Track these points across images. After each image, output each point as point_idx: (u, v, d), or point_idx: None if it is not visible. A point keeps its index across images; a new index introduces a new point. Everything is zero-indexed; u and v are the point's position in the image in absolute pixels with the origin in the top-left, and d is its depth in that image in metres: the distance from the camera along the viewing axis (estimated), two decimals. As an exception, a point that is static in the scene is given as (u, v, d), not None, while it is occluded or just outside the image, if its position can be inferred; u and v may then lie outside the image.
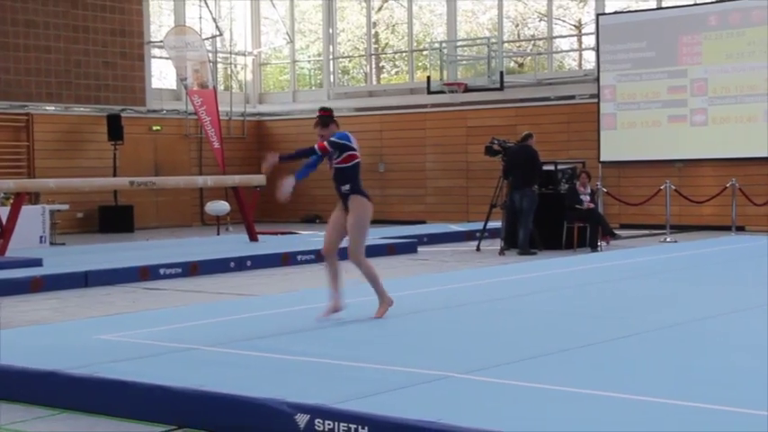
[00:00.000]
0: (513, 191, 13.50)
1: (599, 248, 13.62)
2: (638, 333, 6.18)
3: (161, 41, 20.51)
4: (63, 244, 15.47)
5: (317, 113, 7.41)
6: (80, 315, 8.17)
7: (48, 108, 19.26)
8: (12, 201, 13.33)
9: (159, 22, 22.16)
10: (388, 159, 21.45)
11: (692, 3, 17.95)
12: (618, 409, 4.24)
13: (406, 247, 13.93)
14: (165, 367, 5.26)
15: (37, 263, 11.03)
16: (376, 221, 22.72)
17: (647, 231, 16.69)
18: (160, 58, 21.44)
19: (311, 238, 15.74)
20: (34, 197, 16.48)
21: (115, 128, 19.34)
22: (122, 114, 19.67)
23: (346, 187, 7.13)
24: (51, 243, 15.08)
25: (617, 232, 15.38)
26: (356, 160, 7.20)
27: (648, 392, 4.48)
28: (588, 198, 14.05)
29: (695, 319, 6.72)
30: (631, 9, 19.20)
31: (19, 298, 9.39)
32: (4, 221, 12.27)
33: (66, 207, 16.78)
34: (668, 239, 14.86)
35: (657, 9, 18.55)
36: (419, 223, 19.30)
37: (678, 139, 17.74)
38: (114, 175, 18.91)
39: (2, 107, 18.52)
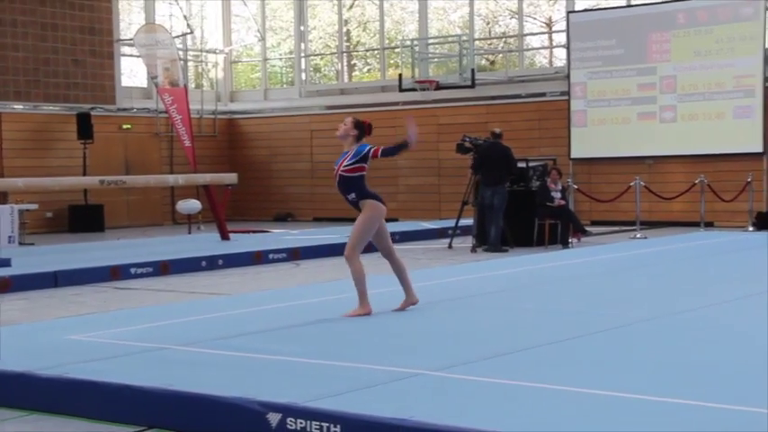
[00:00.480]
0: (485, 188, 13.54)
1: (570, 245, 13.70)
2: (611, 329, 6.22)
3: (131, 39, 20.36)
4: (32, 244, 15.32)
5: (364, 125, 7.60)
6: (50, 315, 8.10)
7: (16, 107, 19.06)
8: (-20, 200, 13.17)
9: (129, 19, 22.00)
10: (360, 157, 21.40)
11: (661, 1, 18.08)
12: (591, 405, 4.27)
13: (379, 245, 13.90)
14: (135, 367, 5.23)
15: (5, 263, 10.92)
16: (348, 219, 22.66)
17: (617, 228, 16.81)
18: (130, 56, 21.29)
19: (283, 236, 15.72)
20: (2, 197, 16.31)
21: (85, 126, 19.18)
22: (92, 113, 19.50)
23: (352, 195, 7.22)
24: (20, 243, 14.92)
25: (588, 229, 15.48)
26: (362, 172, 7.35)
27: (622, 388, 4.50)
28: (559, 195, 14.13)
29: (666, 314, 6.77)
30: (601, 7, 19.32)
31: (-13, 299, 9.30)
32: (-29, 221, 12.14)
33: (35, 207, 16.61)
34: (638, 236, 14.96)
35: (627, 7, 18.67)
36: (391, 221, 19.23)
37: (648, 136, 17.87)
38: (84, 174, 18.76)
39: (-31, 106, 18.32)
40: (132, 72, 22.10)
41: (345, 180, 7.21)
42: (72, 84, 19.46)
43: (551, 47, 21.46)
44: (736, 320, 6.54)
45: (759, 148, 17.00)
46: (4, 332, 6.84)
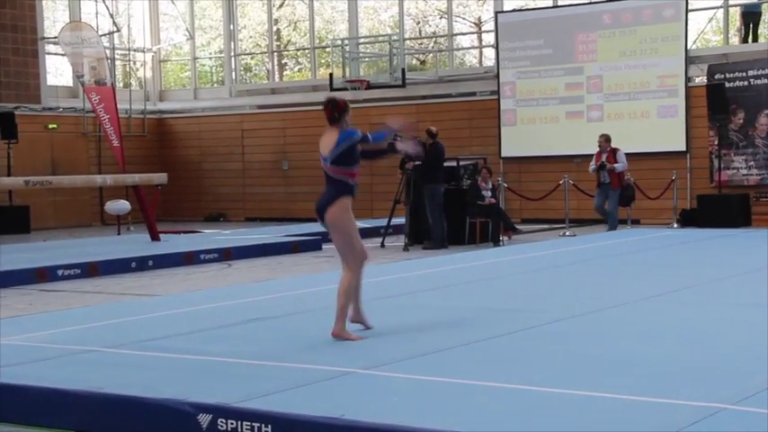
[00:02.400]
0: (437, 185, 13.68)
1: (501, 243, 13.86)
2: (539, 325, 6.31)
3: (56, 37, 19.98)
4: (-44, 246, 14.94)
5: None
6: (-27, 319, 7.90)
7: (-64, 106, 18.57)
8: None
9: (53, 17, 21.59)
10: (291, 157, 21.36)
11: (587, 1, 18.38)
12: (519, 400, 4.33)
13: (311, 245, 13.92)
14: (63, 371, 5.15)
15: (-73, 266, 10.64)
16: (281, 219, 22.54)
17: (547, 225, 17.04)
18: (55, 54, 20.89)
19: (215, 236, 15.59)
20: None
21: (8, 126, 18.74)
22: (16, 112, 19.07)
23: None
24: (-57, 245, 14.54)
25: (518, 227, 15.67)
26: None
27: (549, 383, 4.58)
28: (490, 194, 14.28)
29: (594, 310, 6.89)
30: (529, 7, 19.58)
31: None
32: None
33: (-43, 208, 16.22)
34: (567, 233, 15.20)
35: (554, 7, 18.93)
36: (323, 220, 19.25)
37: (576, 135, 18.14)
38: (9, 175, 18.34)
39: None
40: (58, 71, 21.70)
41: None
42: (-5, 82, 19.02)
43: (481, 47, 21.68)
44: (663, 315, 6.69)
45: (682, 147, 17.39)
46: (-74, 337, 6.68)
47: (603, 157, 14.54)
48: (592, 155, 16.48)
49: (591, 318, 6.60)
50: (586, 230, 15.89)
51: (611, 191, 14.55)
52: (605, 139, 14.70)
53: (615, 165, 14.46)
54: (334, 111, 6.02)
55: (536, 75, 18.53)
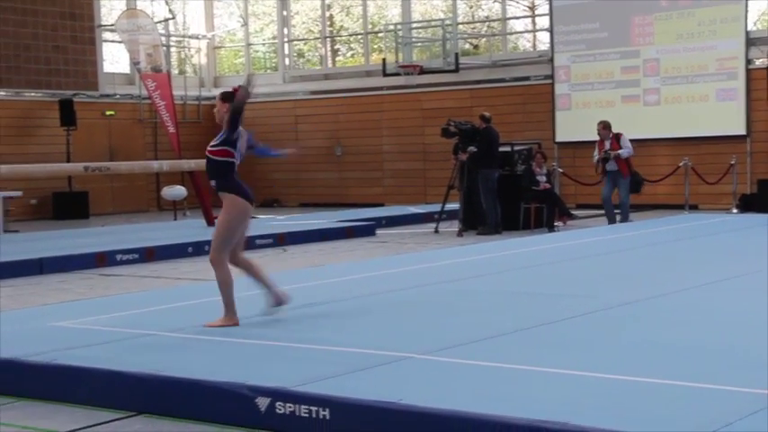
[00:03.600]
0: (491, 171, 13.61)
1: (556, 229, 13.75)
2: (597, 311, 6.25)
3: (112, 25, 20.22)
4: (17, 231, 15.25)
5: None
6: (36, 302, 8.07)
7: (-3, 93, 18.94)
8: (-37, 188, 13.10)
9: (110, 5, 21.85)
10: (344, 142, 21.41)
11: (644, -16, 18.09)
12: (578, 386, 4.29)
13: (365, 230, 13.95)
14: (123, 353, 5.22)
15: (-10, 251, 10.87)
16: (334, 205, 22.72)
17: (602, 211, 16.82)
18: (112, 41, 21.15)
19: (270, 222, 15.70)
20: (-15, 184, 16.21)
21: (68, 113, 19.07)
22: (75, 99, 19.39)
23: (213, 182, 6.29)
24: (5, 230, 14.85)
25: (573, 212, 15.53)
26: (227, 158, 6.28)
27: (608, 369, 4.54)
28: (544, 179, 14.17)
29: (653, 296, 6.81)
30: (585, -10, 19.29)
31: (-28, 286, 9.26)
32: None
33: (19, 194, 16.52)
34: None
35: (610, -10, 18.67)
36: (377, 206, 19.31)
37: (632, 119, 17.88)
38: (68, 161, 18.65)
39: (-50, 93, 18.19)
40: (114, 58, 21.97)
41: (209, 162, 6.28)
42: (53, 70, 19.33)
43: (535, 30, 21.47)
44: (721, 302, 6.59)
45: (742, 131, 17.07)
46: (-9, 320, 6.83)
47: (607, 145, 13.69)
48: (649, 139, 16.29)
49: (646, 304, 6.51)
50: (643, 216, 15.69)
51: (620, 179, 13.68)
52: (604, 126, 13.81)
53: (620, 151, 13.58)
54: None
55: (591, 58, 18.32)
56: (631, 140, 15.44)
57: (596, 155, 13.90)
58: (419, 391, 4.19)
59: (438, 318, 6.21)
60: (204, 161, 6.39)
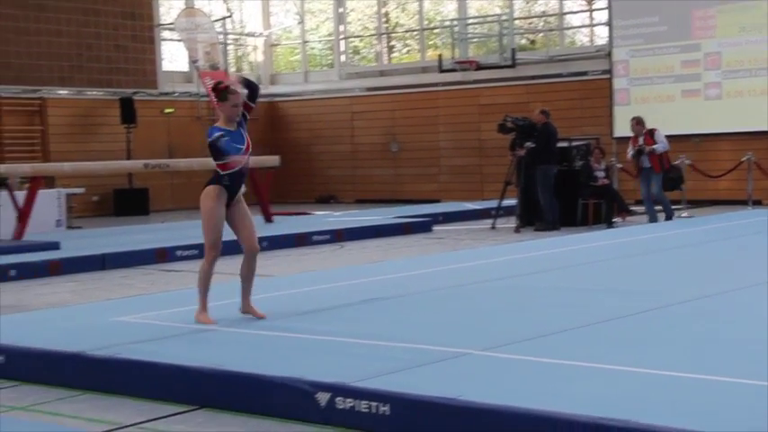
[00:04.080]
0: (550, 166, 13.53)
1: (615, 225, 13.59)
2: (658, 307, 6.17)
3: (171, 24, 20.49)
4: (79, 227, 15.52)
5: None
6: (99, 297, 8.22)
7: (60, 92, 19.29)
8: (28, 185, 13.37)
9: (169, 4, 22.13)
10: (400, 139, 21.41)
11: (705, -24, 17.78)
12: (639, 383, 4.24)
13: (421, 227, 13.94)
14: (184, 348, 5.29)
15: (54, 246, 11.08)
16: (390, 201, 22.70)
17: (662, 207, 16.59)
18: (171, 40, 21.42)
19: (326, 218, 15.77)
20: (50, 181, 16.52)
21: (128, 111, 19.37)
22: (135, 97, 19.68)
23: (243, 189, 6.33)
24: (68, 227, 15.14)
25: (632, 208, 15.33)
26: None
27: (670, 366, 4.47)
28: (603, 174, 14.02)
29: (715, 293, 6.70)
30: (644, -17, 19.03)
31: (38, 281, 9.45)
32: (20, 206, 12.33)
33: (81, 191, 16.83)
34: (684, 215, 14.80)
35: (670, -17, 18.40)
36: (433, 202, 19.28)
37: (692, 114, 17.63)
38: (128, 158, 18.94)
39: (15, 92, 18.57)
40: (173, 56, 22.25)
41: (245, 168, 6.26)
42: (114, 69, 19.64)
43: (592, 25, 21.23)
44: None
45: (807, 125, 16.70)
46: (56, 313, 6.98)
47: (640, 141, 13.27)
48: (710, 134, 16.02)
49: (708, 301, 6.41)
50: (704, 212, 15.45)
51: (653, 175, 13.20)
52: (637, 121, 13.43)
53: (654, 146, 13.09)
54: (215, 96, 6.21)
55: (650, 52, 18.06)
56: (692, 135, 15.23)
57: (630, 151, 13.56)
58: (479, 388, 4.17)
59: (497, 314, 6.19)
60: (251, 158, 6.40)
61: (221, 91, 6.09)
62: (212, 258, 6.23)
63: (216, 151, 6.08)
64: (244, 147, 6.16)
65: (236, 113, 6.14)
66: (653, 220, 13.40)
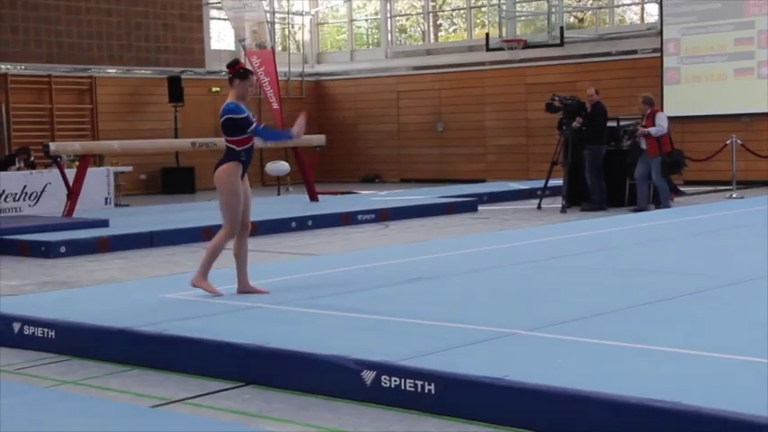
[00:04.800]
0: (600, 146, 13.39)
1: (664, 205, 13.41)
2: (707, 289, 6.08)
3: (219, 2, 20.56)
4: (127, 205, 15.71)
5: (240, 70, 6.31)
6: (147, 274, 8.31)
7: (110, 71, 19.50)
8: (77, 163, 13.55)
9: (217, -17, 22.19)
10: (446, 118, 21.32)
11: (759, -48, 17.41)
12: (687, 365, 4.19)
13: (467, 206, 13.88)
14: (231, 325, 5.32)
15: (103, 224, 11.22)
16: (435, 180, 22.69)
17: (711, 188, 16.38)
18: (218, 19, 21.51)
19: (371, 197, 15.78)
20: (98, 159, 16.73)
21: (176, 90, 19.51)
22: (182, 76, 19.82)
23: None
24: (116, 204, 15.32)
25: (681, 189, 15.13)
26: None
27: (719, 348, 4.41)
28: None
29: (764, 275, 6.58)
30: (696, -40, 18.70)
31: (87, 258, 9.59)
32: (70, 183, 12.49)
33: (129, 169, 17.02)
34: (734, 195, 14.57)
35: (723, -41, 18.05)
36: (479, 182, 19.20)
37: (744, 93, 17.32)
38: (175, 137, 19.09)
39: (66, 70, 18.80)
40: (220, 35, 22.35)
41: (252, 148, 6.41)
42: (162, 47, 19.77)
43: (643, 2, 20.92)
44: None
45: None
46: (105, 290, 7.07)
47: (643, 121, 12.86)
48: (762, 113, 15.71)
49: (758, 283, 6.29)
50: (755, 192, 15.20)
51: (649, 159, 12.68)
52: (643, 100, 12.92)
53: (649, 129, 12.59)
54: (229, 72, 6.31)
55: (703, 30, 17.75)
56: (743, 114, 14.89)
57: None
58: (525, 368, 4.14)
59: (543, 294, 6.14)
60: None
61: (243, 70, 6.31)
62: (233, 236, 6.36)
63: (241, 125, 6.19)
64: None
65: (249, 93, 6.38)
66: (640, 205, 12.87)
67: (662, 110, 17.96)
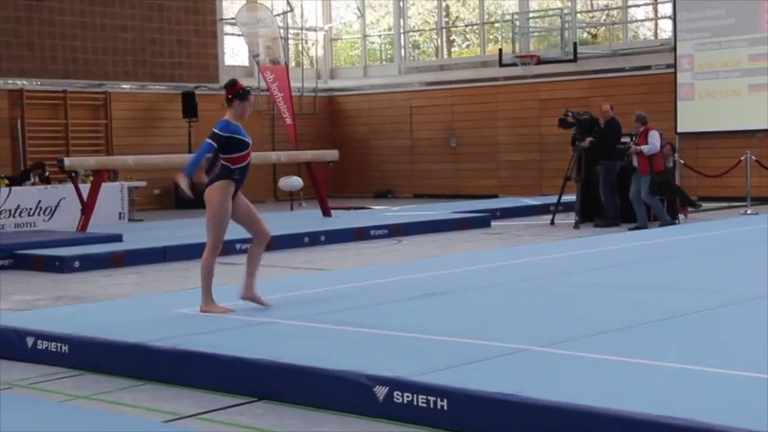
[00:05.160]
0: (614, 163, 13.36)
1: (677, 221, 13.37)
2: (721, 306, 6.05)
3: (233, 18, 20.67)
4: (141, 220, 15.77)
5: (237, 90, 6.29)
6: (160, 289, 8.33)
7: (124, 86, 19.60)
8: (92, 178, 13.61)
9: (231, -1, 22.33)
10: (459, 134, 21.34)
11: (773, -32, 17.40)
12: (701, 382, 4.17)
13: (480, 222, 13.88)
14: (244, 340, 5.32)
15: (117, 238, 11.26)
16: (448, 196, 22.68)
17: (725, 204, 16.33)
18: (232, 34, 21.62)
19: (384, 212, 15.79)
20: (113, 174, 16.80)
21: (189, 105, 19.60)
22: (196, 91, 19.91)
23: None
24: (130, 219, 15.38)
25: (698, 202, 14.98)
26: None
27: (733, 366, 4.38)
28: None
29: (779, 292, 6.55)
30: (709, -24, 18.69)
31: (101, 272, 9.62)
32: (85, 198, 12.55)
33: (143, 184, 17.08)
34: (749, 211, 14.52)
35: (737, -25, 18.04)
36: (492, 197, 19.19)
37: (759, 109, 17.26)
38: (189, 152, 19.14)
39: (81, 86, 18.92)
40: (234, 51, 22.44)
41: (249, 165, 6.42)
42: (177, 63, 19.88)
43: (656, 18, 20.91)
44: None
45: None
46: (118, 304, 7.09)
47: (636, 139, 12.80)
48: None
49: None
50: (770, 209, 15.13)
51: (640, 176, 12.64)
52: (636, 118, 12.87)
53: (642, 147, 12.52)
54: (228, 93, 6.27)
55: (716, 46, 17.73)
56: (758, 130, 14.80)
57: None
58: (538, 384, 4.13)
59: (556, 310, 6.13)
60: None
61: (244, 91, 6.29)
62: (217, 253, 6.36)
63: (233, 145, 6.19)
64: (251, 142, 6.35)
65: (248, 113, 6.35)
66: (641, 222, 12.73)
67: (676, 127, 17.96)
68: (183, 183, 6.23)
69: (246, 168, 6.36)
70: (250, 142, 6.32)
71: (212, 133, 6.19)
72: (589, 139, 13.36)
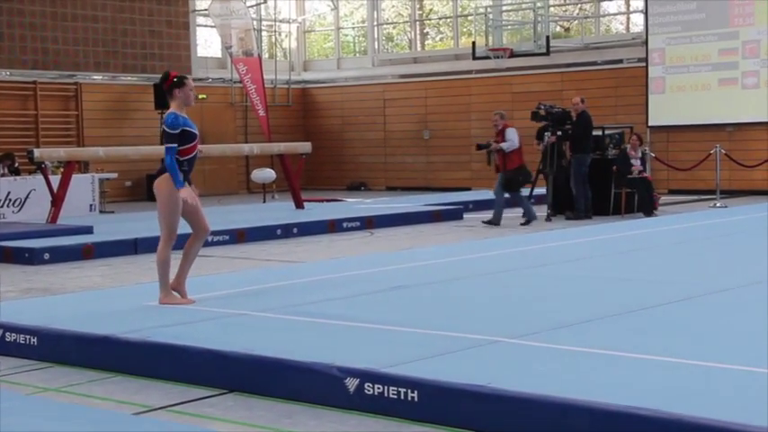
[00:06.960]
0: (585, 156, 13.44)
1: (654, 214, 13.46)
2: (689, 298, 6.11)
3: (206, 10, 20.56)
4: (112, 212, 15.67)
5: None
6: (131, 281, 8.29)
7: (95, 77, 19.44)
8: (62, 170, 13.50)
9: (204, -10, 22.20)
10: (432, 126, 21.36)
11: (743, -37, 17.54)
12: (669, 372, 4.20)
13: (452, 214, 13.91)
14: (215, 332, 5.31)
15: (88, 230, 11.18)
16: (421, 188, 22.65)
17: (695, 197, 16.47)
18: (205, 26, 21.50)
19: (357, 205, 15.78)
20: (83, 166, 16.67)
21: (162, 97, 19.38)
22: (168, 83, 19.75)
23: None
24: (101, 211, 15.28)
25: (666, 198, 15.13)
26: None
27: (700, 356, 4.43)
28: (638, 162, 13.87)
29: (746, 284, 6.62)
30: (681, -30, 18.81)
31: (71, 264, 9.55)
32: (55, 190, 12.44)
33: (114, 176, 16.96)
34: (718, 205, 14.65)
35: (708, -30, 18.17)
36: (464, 190, 19.22)
37: (729, 103, 17.43)
38: (161, 144, 19.03)
39: (51, 77, 18.74)
40: (207, 42, 22.33)
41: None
42: (149, 54, 19.74)
43: (628, 12, 21.03)
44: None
45: None
46: (89, 297, 7.04)
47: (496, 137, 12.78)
48: (746, 123, 15.81)
49: (741, 292, 6.32)
50: (738, 202, 15.28)
51: (500, 174, 12.67)
52: (500, 116, 12.88)
53: (501, 144, 12.53)
54: (165, 86, 6.27)
55: (687, 40, 17.86)
56: (728, 124, 14.91)
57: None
58: (508, 375, 4.15)
59: (527, 302, 6.16)
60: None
61: (178, 78, 6.27)
62: (172, 244, 6.34)
63: (184, 137, 6.18)
64: (198, 133, 6.33)
65: (192, 97, 6.31)
66: (494, 218, 12.70)
67: (647, 120, 18.07)
68: (186, 193, 6.23)
69: (194, 159, 6.35)
70: (198, 133, 6.32)
71: (167, 135, 6.18)
72: (551, 133, 13.36)
